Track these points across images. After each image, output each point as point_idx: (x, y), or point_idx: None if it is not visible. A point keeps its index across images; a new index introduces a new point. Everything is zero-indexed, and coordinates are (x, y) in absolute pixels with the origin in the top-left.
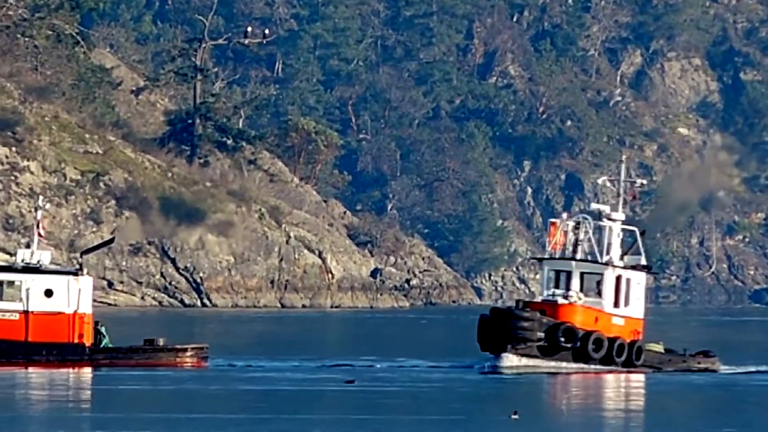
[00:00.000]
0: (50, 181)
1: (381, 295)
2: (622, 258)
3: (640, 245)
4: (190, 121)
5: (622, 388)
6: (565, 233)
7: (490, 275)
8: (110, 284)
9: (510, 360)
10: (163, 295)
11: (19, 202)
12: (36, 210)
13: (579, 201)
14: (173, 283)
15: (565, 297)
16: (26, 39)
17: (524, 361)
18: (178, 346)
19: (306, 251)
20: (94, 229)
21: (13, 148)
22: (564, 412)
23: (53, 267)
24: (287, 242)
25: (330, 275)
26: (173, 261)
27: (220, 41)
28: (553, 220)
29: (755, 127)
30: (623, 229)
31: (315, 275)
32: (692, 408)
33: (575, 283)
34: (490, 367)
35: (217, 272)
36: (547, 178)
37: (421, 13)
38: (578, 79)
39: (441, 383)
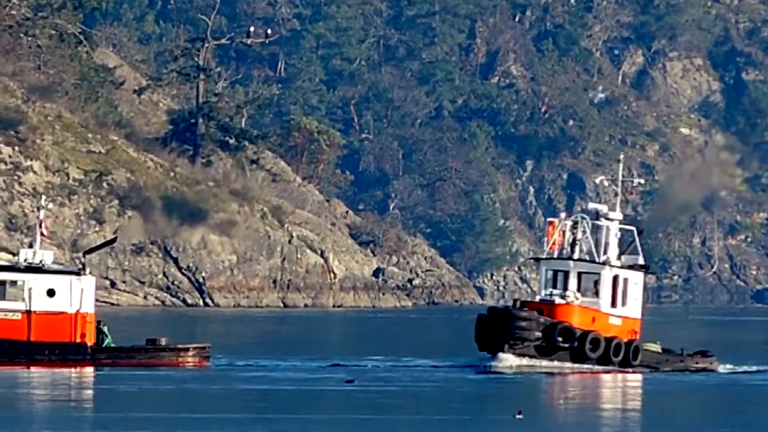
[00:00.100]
0: (53, 181)
1: (383, 294)
2: (619, 258)
3: (638, 245)
4: (192, 120)
5: (619, 388)
6: (563, 233)
7: (492, 275)
8: (113, 284)
9: (507, 360)
10: (165, 294)
11: (22, 201)
12: (39, 209)
13: (581, 200)
14: (176, 282)
15: (563, 297)
16: (29, 38)
17: (521, 360)
18: (180, 346)
19: (308, 251)
20: (97, 229)
21: (16, 148)
22: (563, 411)
23: (56, 267)
24: (290, 242)
25: (332, 275)
26: (176, 261)
27: (223, 41)
28: (551, 219)
29: (757, 127)
30: (621, 229)
31: (317, 275)
32: (689, 408)
33: (573, 282)
34: (487, 367)
35: (220, 272)
36: (549, 178)
37: (424, 12)
38: (580, 79)
39: (442, 383)
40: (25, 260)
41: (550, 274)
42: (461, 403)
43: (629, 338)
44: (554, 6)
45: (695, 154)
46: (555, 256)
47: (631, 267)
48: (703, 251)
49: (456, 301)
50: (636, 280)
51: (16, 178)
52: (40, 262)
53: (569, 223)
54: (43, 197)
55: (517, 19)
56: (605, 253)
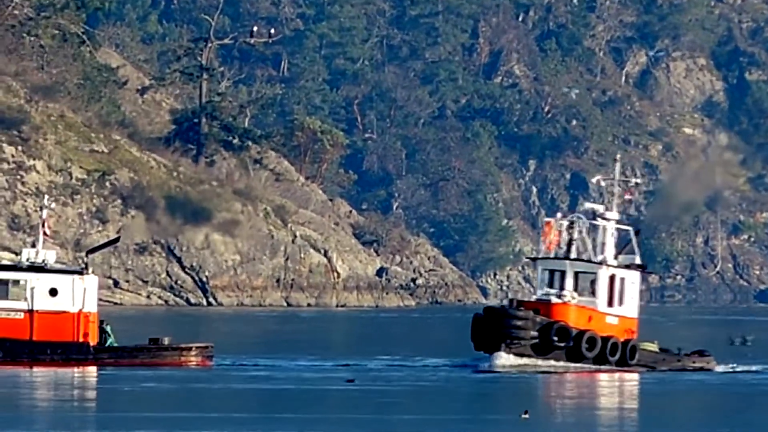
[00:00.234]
0: (56, 180)
1: (386, 294)
2: (616, 257)
3: (635, 244)
4: (195, 120)
5: (615, 387)
6: (560, 233)
7: (495, 274)
8: (116, 283)
9: (503, 359)
10: (168, 294)
11: (25, 201)
12: (41, 209)
13: (584, 200)
14: (179, 282)
15: (559, 296)
16: (32, 38)
17: (518, 360)
18: (183, 345)
19: (312, 250)
20: (100, 228)
21: (19, 147)
22: (568, 411)
23: (58, 266)
24: (293, 241)
25: (336, 274)
26: (179, 260)
27: (226, 41)
28: (547, 219)
29: (760, 127)
30: (618, 229)
31: (321, 274)
32: (687, 408)
33: (569, 282)
34: (484, 367)
35: (223, 271)
36: (552, 178)
37: (427, 12)
38: (583, 79)
39: (443, 382)
40: (28, 260)
41: (546, 273)
42: (463, 403)
43: (626, 338)
44: (557, 6)
45: (699, 154)
46: (552, 255)
47: (627, 267)
48: (706, 251)
49: (459, 301)
50: (633, 279)
51: (19, 177)
52: (43, 261)
53: (566, 222)
54: (46, 197)
55: (520, 19)
56: (602, 252)
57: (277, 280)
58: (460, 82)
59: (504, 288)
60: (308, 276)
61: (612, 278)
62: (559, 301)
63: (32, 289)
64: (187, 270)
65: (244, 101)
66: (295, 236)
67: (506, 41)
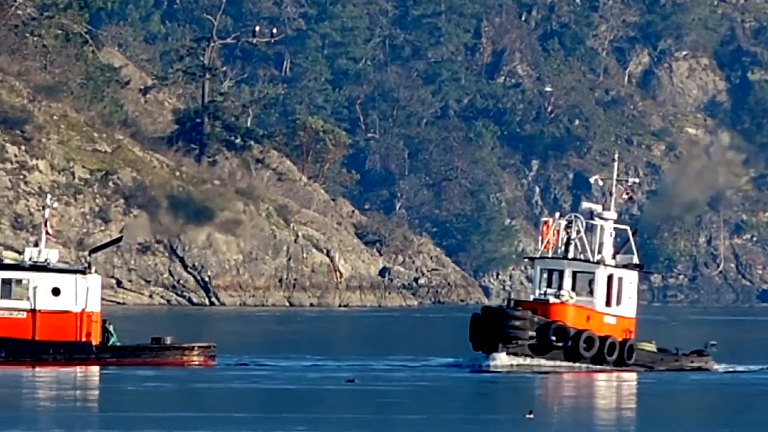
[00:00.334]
0: (59, 180)
1: (389, 293)
2: (614, 257)
3: (633, 244)
4: (198, 120)
5: (616, 387)
6: (558, 232)
7: (497, 274)
8: (119, 283)
9: (501, 359)
10: (171, 293)
11: (28, 200)
12: (44, 208)
13: (586, 200)
14: (181, 281)
15: (557, 296)
16: (35, 38)
17: (515, 360)
18: (185, 345)
19: (314, 250)
20: (103, 228)
21: (22, 147)
22: (573, 411)
23: (61, 265)
24: (295, 241)
25: (338, 274)
26: (181, 259)
27: (229, 40)
28: (545, 219)
29: (763, 127)
30: (616, 228)
31: (323, 274)
32: (684, 407)
33: (567, 282)
34: (481, 366)
35: (225, 271)
36: (555, 178)
37: (429, 12)
38: (586, 79)
39: (443, 382)
40: (30, 259)
41: (544, 273)
42: (465, 403)
43: (624, 337)
44: (560, 5)
45: (701, 154)
46: (549, 255)
47: (625, 266)
48: (708, 250)
49: (462, 301)
50: (631, 279)
51: (21, 177)
52: (45, 260)
53: (563, 222)
54: (49, 196)
55: (523, 19)
56: (599, 252)
57: (280, 280)
58: (462, 81)
59: (506, 288)
60: (311, 276)
61: (610, 278)
62: (557, 300)
63: (35, 288)
64: (189, 270)
65: (247, 101)
66: (298, 236)
67: (509, 41)
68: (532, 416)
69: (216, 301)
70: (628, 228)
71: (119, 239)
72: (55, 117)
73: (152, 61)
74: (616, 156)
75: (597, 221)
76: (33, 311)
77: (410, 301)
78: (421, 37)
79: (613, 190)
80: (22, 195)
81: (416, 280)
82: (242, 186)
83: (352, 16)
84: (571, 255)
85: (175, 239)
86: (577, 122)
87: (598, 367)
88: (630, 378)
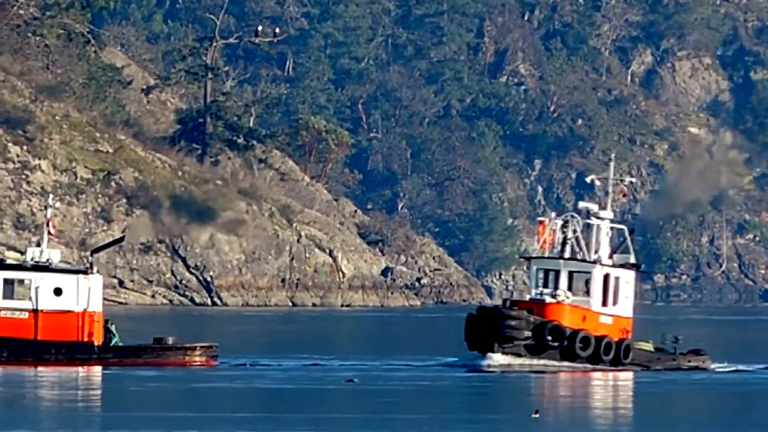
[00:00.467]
0: (61, 180)
1: (392, 293)
2: (611, 257)
3: (629, 244)
4: (200, 119)
5: (616, 387)
6: (554, 232)
7: (500, 274)
8: (121, 283)
9: (497, 359)
10: (173, 293)
11: (30, 200)
12: (46, 208)
13: (589, 200)
14: (184, 281)
15: (553, 296)
16: (37, 38)
17: (511, 359)
18: (187, 345)
19: (317, 250)
20: (105, 228)
21: (24, 147)
22: (578, 410)
23: (63, 265)
24: (298, 241)
25: (341, 274)
26: (184, 259)
27: (231, 40)
28: (541, 219)
29: (765, 127)
30: (612, 228)
31: (326, 274)
32: (680, 406)
33: (563, 281)
34: (477, 366)
35: (228, 271)
36: (557, 177)
37: (432, 12)
38: (589, 78)
39: (445, 382)
40: (33, 259)
41: (541, 273)
42: (467, 403)
43: (620, 337)
44: (563, 5)
45: (704, 154)
46: (546, 255)
47: (622, 266)
48: (711, 250)
49: (464, 301)
50: (627, 278)
51: (24, 177)
52: (48, 260)
53: (560, 222)
54: (51, 196)
55: (525, 18)
56: (596, 252)
57: (282, 280)
58: (465, 81)
59: (509, 288)
60: (313, 276)
61: (606, 278)
62: (553, 300)
63: (37, 288)
64: (191, 270)
65: (249, 101)
66: (300, 236)
67: (511, 40)
68: (538, 416)
69: (218, 302)
70: (624, 227)
71: (121, 239)
72: (57, 117)
73: (155, 61)
74: (613, 156)
75: (593, 221)
76: (35, 311)
77: (413, 301)
78: (424, 36)
79: (610, 189)
80: (25, 195)
81: (419, 280)
82: (245, 186)
83: (355, 16)
84: (567, 255)
85: (177, 239)
86: (579, 122)
87: (593, 366)
88: (627, 377)
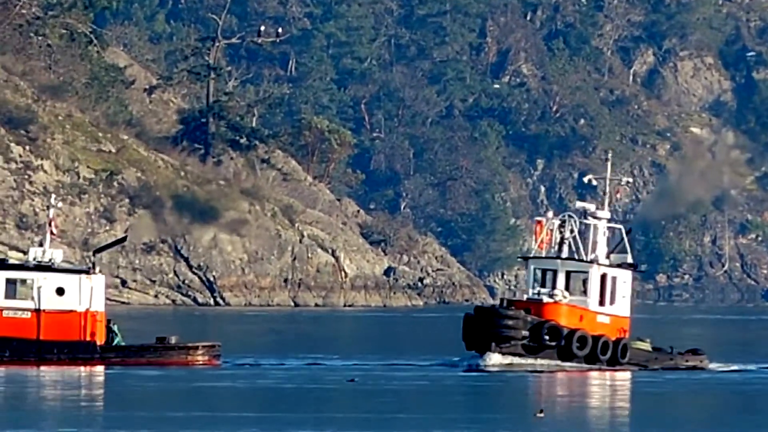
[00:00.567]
0: (63, 180)
1: (394, 293)
2: (608, 256)
3: (627, 243)
4: (203, 119)
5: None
6: (551, 232)
7: (503, 274)
8: (123, 283)
9: (494, 359)
10: (176, 293)
11: (33, 200)
12: (48, 208)
13: (592, 199)
14: (186, 281)
15: (550, 295)
16: (39, 38)
17: (509, 359)
18: (190, 345)
19: (319, 250)
20: (108, 228)
21: (27, 147)
22: (583, 410)
23: (65, 265)
24: (300, 241)
25: (343, 274)
26: (186, 259)
27: (234, 40)
28: (538, 218)
29: None
30: (609, 228)
31: (328, 274)
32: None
33: (561, 281)
34: (473, 366)
35: (231, 271)
36: (560, 177)
37: (435, 12)
38: (591, 78)
39: (445, 381)
40: (35, 259)
41: (538, 273)
42: (468, 403)
43: (617, 336)
44: (565, 5)
45: (706, 154)
46: (543, 255)
47: (619, 265)
48: (713, 250)
49: (467, 301)
50: (624, 278)
51: (26, 177)
52: (50, 260)
53: (557, 222)
54: (53, 196)
55: (528, 18)
56: (593, 251)
57: (285, 280)
58: (467, 81)
59: (512, 288)
60: (316, 276)
61: (603, 277)
62: (550, 300)
63: (39, 288)
64: (194, 269)
65: (252, 101)
66: (303, 236)
67: (514, 40)
68: (542, 415)
69: (221, 301)
70: (622, 227)
71: (124, 239)
72: (59, 117)
73: (157, 61)
74: (610, 155)
75: (590, 220)
76: (37, 311)
77: (415, 301)
78: (426, 36)
79: (607, 189)
80: (27, 195)
81: (421, 279)
82: (247, 186)
83: (357, 16)
84: (564, 254)
85: (180, 239)
86: (582, 122)
87: (590, 366)
88: (624, 377)
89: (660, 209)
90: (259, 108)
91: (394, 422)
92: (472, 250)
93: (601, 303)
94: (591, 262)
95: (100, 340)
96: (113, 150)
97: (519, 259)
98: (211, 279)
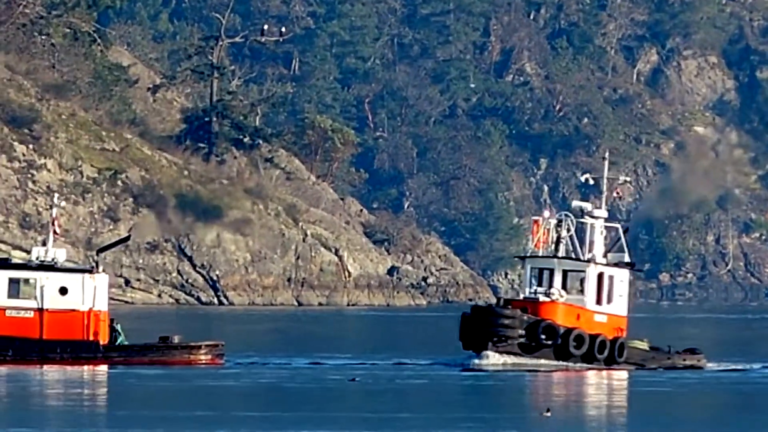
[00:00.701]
0: (67, 179)
1: (398, 293)
2: (605, 255)
3: (624, 242)
4: (206, 119)
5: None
6: (548, 231)
7: (506, 273)
8: (127, 282)
9: (491, 358)
10: (179, 292)
11: (36, 199)
12: (52, 208)
13: (594, 199)
14: (190, 280)
15: (547, 294)
16: (43, 37)
17: (505, 358)
18: (193, 344)
19: (323, 249)
20: (111, 227)
21: (30, 146)
22: (590, 409)
23: (68, 265)
24: (304, 240)
25: (347, 273)
26: (190, 259)
27: (237, 39)
28: (535, 217)
29: None
30: (607, 227)
31: (332, 273)
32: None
33: (557, 280)
34: (471, 365)
35: (234, 270)
36: (563, 176)
37: (438, 11)
38: (595, 77)
39: (446, 381)
40: (38, 258)
41: (535, 272)
42: (469, 403)
43: (615, 335)
44: (568, 4)
45: (709, 153)
46: (540, 254)
47: (616, 264)
48: (717, 249)
49: (470, 300)
50: (622, 277)
51: (30, 176)
52: (53, 260)
53: (554, 221)
54: (56, 195)
55: (531, 17)
56: (590, 250)
57: (288, 279)
58: (471, 80)
59: (515, 287)
60: (319, 275)
61: (600, 276)
62: (547, 299)
63: (42, 287)
64: (197, 269)
65: (255, 100)
66: (306, 235)
67: (517, 39)
68: (549, 414)
69: (224, 301)
70: (619, 226)
71: (127, 238)
72: (63, 116)
73: (160, 60)
74: (607, 154)
75: (587, 219)
76: (40, 310)
77: (419, 300)
78: (430, 35)
79: (604, 188)
80: (30, 194)
81: (425, 279)
82: (251, 185)
83: (361, 15)
84: (561, 253)
85: (183, 238)
86: (585, 121)
87: (587, 365)
88: (621, 376)
89: (663, 208)
90: (262, 107)
91: (394, 422)
92: (476, 250)
93: (598, 302)
94: (588, 261)
95: (103, 339)
96: (117, 149)
97: (515, 259)
98: (215, 278)
